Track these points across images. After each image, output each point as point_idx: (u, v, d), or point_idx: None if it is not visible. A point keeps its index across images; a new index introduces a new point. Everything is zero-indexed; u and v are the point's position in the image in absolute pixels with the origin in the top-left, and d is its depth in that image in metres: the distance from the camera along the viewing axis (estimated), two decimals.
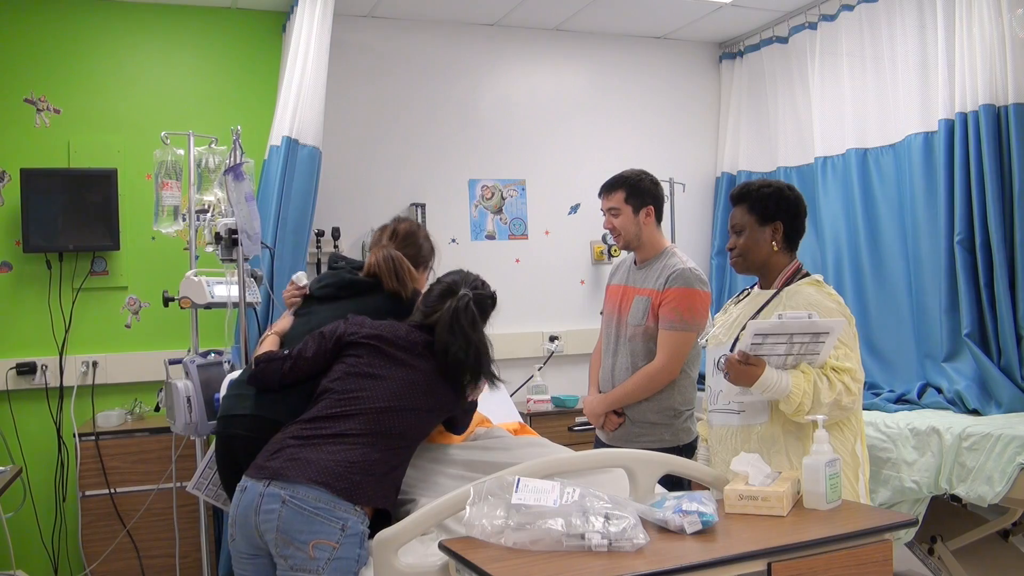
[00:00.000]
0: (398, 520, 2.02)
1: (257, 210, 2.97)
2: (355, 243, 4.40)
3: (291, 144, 3.70)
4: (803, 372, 2.19)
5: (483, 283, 2.41)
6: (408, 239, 2.64)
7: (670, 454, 2.39)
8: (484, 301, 2.36)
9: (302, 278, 2.69)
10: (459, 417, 2.42)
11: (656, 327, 2.92)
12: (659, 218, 3.06)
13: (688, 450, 2.92)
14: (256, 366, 2.31)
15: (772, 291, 2.43)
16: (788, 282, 2.41)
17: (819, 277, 2.43)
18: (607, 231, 3.10)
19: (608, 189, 3.06)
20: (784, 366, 2.20)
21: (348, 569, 1.97)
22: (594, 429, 3.16)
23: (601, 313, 3.22)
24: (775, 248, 2.43)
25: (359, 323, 2.31)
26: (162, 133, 3.57)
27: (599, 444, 3.10)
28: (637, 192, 3.01)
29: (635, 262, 3.10)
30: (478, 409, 2.65)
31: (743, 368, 2.17)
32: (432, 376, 2.24)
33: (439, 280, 2.41)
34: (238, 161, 3.05)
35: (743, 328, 2.26)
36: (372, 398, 2.14)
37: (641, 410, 2.95)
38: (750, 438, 2.34)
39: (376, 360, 2.21)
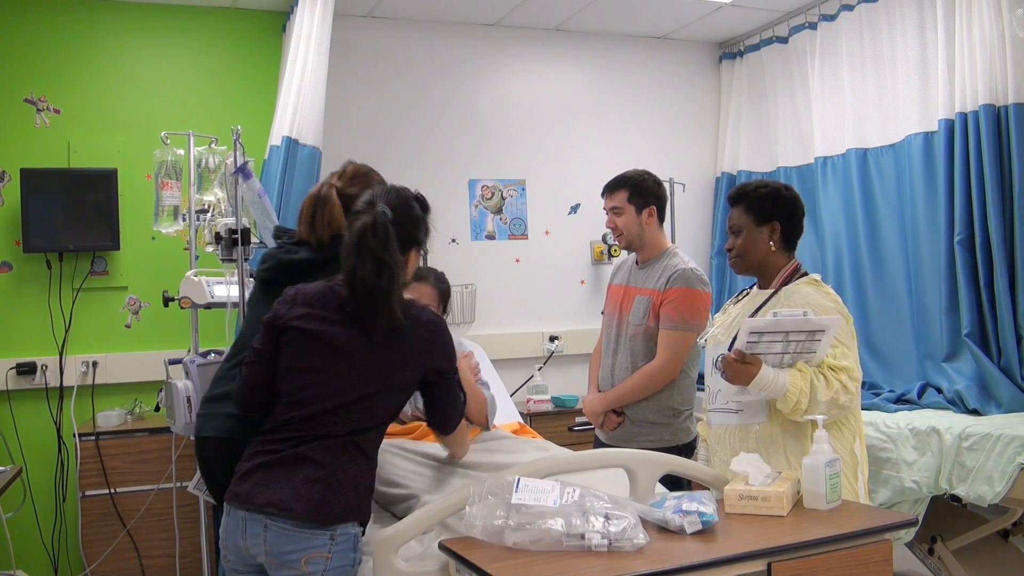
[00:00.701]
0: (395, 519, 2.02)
1: (271, 204, 2.96)
2: None
3: (291, 144, 3.70)
4: (800, 371, 2.19)
5: (401, 188, 2.07)
6: (357, 177, 2.35)
7: (669, 454, 2.39)
8: (406, 206, 2.03)
9: None
10: (438, 390, 2.08)
11: (657, 327, 2.92)
12: (661, 218, 3.06)
13: (687, 450, 2.92)
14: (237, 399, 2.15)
15: (770, 291, 2.43)
16: (786, 282, 2.42)
17: (817, 276, 2.43)
18: (608, 231, 3.10)
19: (611, 189, 3.06)
20: (781, 364, 2.20)
21: (346, 574, 1.93)
22: (594, 429, 3.16)
23: (602, 313, 3.22)
24: (773, 248, 2.43)
25: (291, 298, 2.04)
26: (162, 133, 3.58)
27: (598, 444, 3.10)
28: (640, 192, 3.01)
29: (636, 262, 3.10)
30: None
31: (739, 367, 2.17)
32: (374, 344, 1.97)
33: (356, 204, 2.02)
34: (241, 161, 3.05)
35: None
36: (320, 396, 1.95)
37: (640, 410, 2.95)
38: (748, 437, 2.34)
39: (313, 348, 1.98)
